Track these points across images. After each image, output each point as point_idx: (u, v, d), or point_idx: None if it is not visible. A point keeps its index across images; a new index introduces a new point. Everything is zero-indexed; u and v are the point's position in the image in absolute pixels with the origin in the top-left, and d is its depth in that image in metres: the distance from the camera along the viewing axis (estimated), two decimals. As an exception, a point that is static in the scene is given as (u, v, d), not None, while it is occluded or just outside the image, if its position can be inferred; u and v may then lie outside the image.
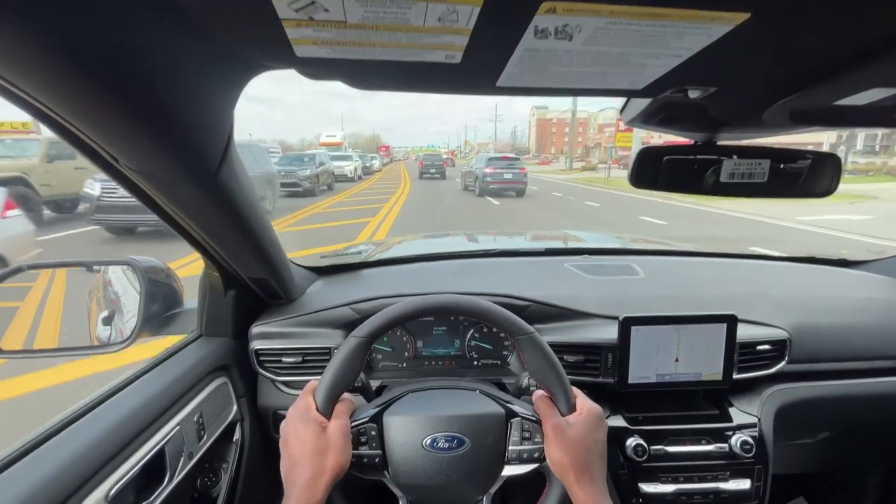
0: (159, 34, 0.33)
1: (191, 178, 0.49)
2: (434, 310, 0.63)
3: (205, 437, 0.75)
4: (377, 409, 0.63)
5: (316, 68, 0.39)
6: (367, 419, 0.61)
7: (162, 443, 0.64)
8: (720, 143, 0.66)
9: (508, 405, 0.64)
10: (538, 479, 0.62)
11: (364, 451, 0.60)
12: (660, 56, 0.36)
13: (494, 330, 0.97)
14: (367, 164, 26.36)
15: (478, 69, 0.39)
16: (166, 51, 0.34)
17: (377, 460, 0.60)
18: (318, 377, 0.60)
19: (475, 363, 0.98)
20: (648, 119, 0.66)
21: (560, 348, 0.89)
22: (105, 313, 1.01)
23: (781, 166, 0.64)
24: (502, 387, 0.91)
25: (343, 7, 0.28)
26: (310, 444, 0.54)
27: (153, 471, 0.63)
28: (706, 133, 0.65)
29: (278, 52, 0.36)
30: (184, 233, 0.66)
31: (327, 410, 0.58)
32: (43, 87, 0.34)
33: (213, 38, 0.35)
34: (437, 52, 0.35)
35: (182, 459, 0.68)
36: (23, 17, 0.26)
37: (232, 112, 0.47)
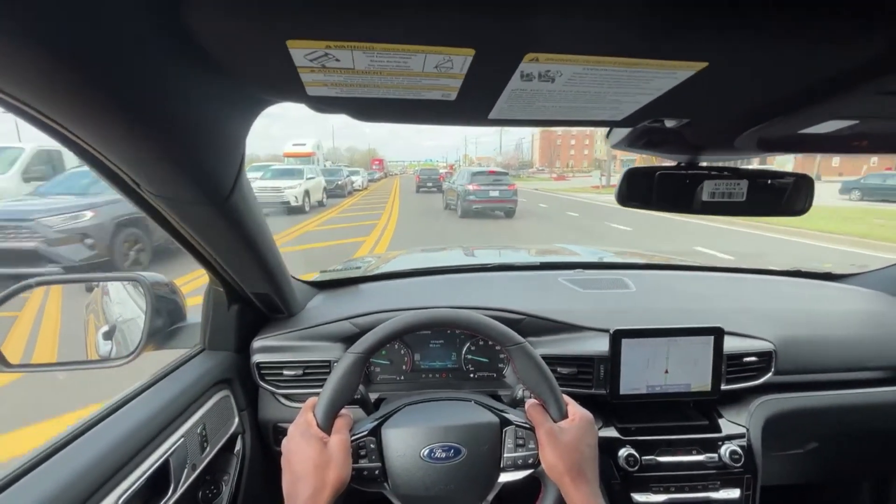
0: (186, 77, 0.36)
1: (206, 201, 0.53)
2: (428, 324, 0.66)
3: (207, 449, 0.77)
4: (376, 423, 0.65)
5: (324, 104, 0.43)
6: (366, 433, 0.63)
7: (167, 454, 0.66)
8: (702, 163, 0.70)
9: (502, 414, 0.66)
10: (533, 485, 0.64)
11: (364, 464, 0.61)
12: (634, 94, 0.40)
13: (490, 343, 1.00)
14: (341, 182, 17.45)
15: (471, 105, 0.43)
16: (191, 89, 0.38)
17: (377, 473, 0.61)
18: (318, 392, 0.62)
19: (472, 375, 1.01)
20: (633, 143, 0.70)
21: (553, 360, 0.92)
22: (106, 328, 1.03)
23: (760, 186, 0.68)
24: (498, 398, 0.93)
25: (352, 58, 0.32)
26: (311, 460, 0.55)
27: (158, 482, 0.64)
28: (689, 155, 0.69)
29: (291, 92, 0.40)
30: (192, 250, 0.69)
31: (327, 426, 0.59)
32: (78, 122, 0.38)
33: (232, 79, 0.38)
34: (435, 92, 0.39)
35: (186, 471, 0.69)
36: (57, 55, 0.29)
37: (245, 139, 0.51)
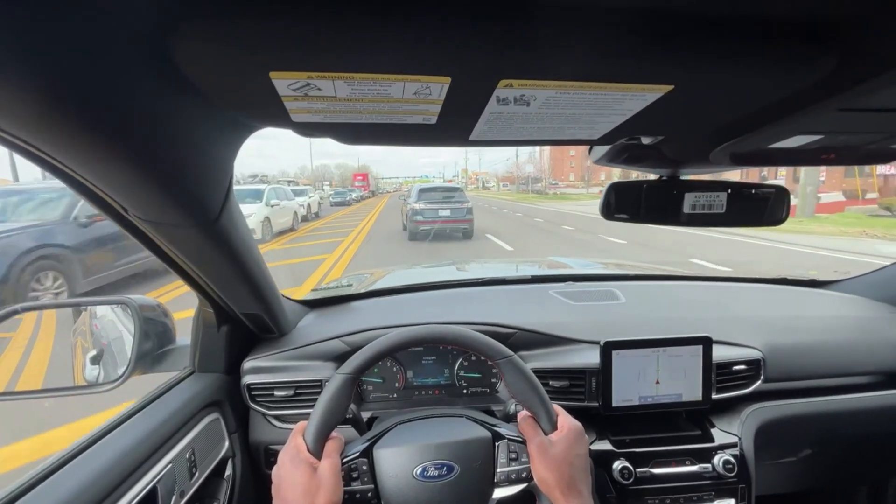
0: (170, 105, 0.37)
1: (195, 225, 0.53)
2: (416, 341, 0.66)
3: (196, 475, 0.75)
4: (367, 443, 0.64)
5: (309, 129, 0.44)
6: (357, 454, 0.62)
7: (154, 481, 0.65)
8: (683, 177, 0.72)
9: (494, 428, 0.66)
10: (529, 499, 0.63)
11: (357, 486, 0.60)
12: (607, 115, 0.42)
13: (482, 358, 1.00)
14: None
15: (451, 128, 0.44)
16: (177, 116, 0.39)
17: (370, 495, 0.61)
18: (310, 413, 0.62)
19: (465, 392, 1.00)
20: (614, 159, 0.72)
21: (545, 374, 0.92)
22: (93, 352, 1.01)
23: (739, 197, 0.70)
24: (491, 413, 0.93)
25: (334, 87, 0.34)
26: (301, 486, 0.55)
27: None
28: (670, 169, 0.71)
29: (276, 119, 0.41)
30: (181, 272, 0.69)
31: (317, 450, 0.58)
32: (63, 149, 0.38)
33: (220, 107, 0.40)
34: (416, 116, 0.40)
35: (174, 498, 0.68)
36: (43, 84, 0.29)
37: (232, 164, 0.52)
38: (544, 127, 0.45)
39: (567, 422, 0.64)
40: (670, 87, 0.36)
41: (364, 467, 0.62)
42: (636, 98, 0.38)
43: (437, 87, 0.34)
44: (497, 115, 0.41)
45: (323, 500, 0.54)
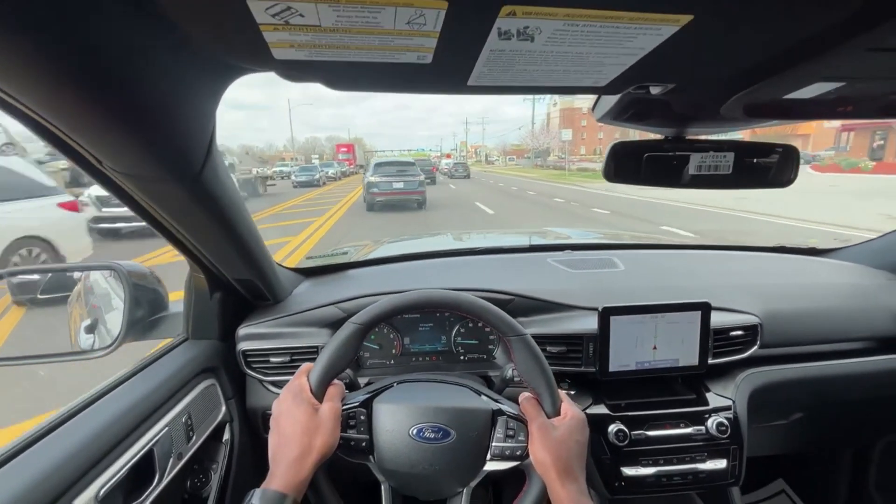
0: (141, 40, 0.34)
1: (175, 179, 0.50)
2: (432, 304, 0.65)
3: (193, 438, 0.76)
4: (368, 396, 0.65)
5: (294, 70, 0.41)
6: (357, 404, 0.63)
7: (150, 444, 0.65)
8: (689, 137, 0.69)
9: (496, 402, 0.66)
10: (518, 477, 0.63)
11: (352, 434, 0.61)
12: (617, 55, 0.39)
13: (480, 325, 0.99)
14: None
15: (448, 69, 0.41)
16: (148, 56, 0.36)
17: (364, 444, 0.61)
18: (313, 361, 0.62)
19: (462, 358, 1.00)
20: (618, 115, 0.69)
21: (543, 339, 0.91)
22: (88, 321, 1.00)
23: (746, 159, 0.68)
24: (488, 380, 0.93)
25: (317, 12, 0.30)
26: (301, 423, 0.56)
27: (142, 472, 0.63)
28: (675, 128, 0.68)
29: (257, 56, 0.37)
30: (168, 235, 0.67)
31: (320, 392, 0.59)
32: (27, 92, 0.35)
33: (194, 43, 0.36)
34: (409, 54, 0.37)
35: (171, 460, 0.68)
36: (4, 22, 0.27)
37: (214, 113, 0.48)
38: (549, 70, 0.41)
39: (570, 409, 0.63)
40: (689, 18, 0.33)
41: (362, 417, 0.62)
42: (650, 32, 0.35)
43: (433, 15, 0.31)
44: (498, 53, 0.37)
45: (321, 440, 0.55)
